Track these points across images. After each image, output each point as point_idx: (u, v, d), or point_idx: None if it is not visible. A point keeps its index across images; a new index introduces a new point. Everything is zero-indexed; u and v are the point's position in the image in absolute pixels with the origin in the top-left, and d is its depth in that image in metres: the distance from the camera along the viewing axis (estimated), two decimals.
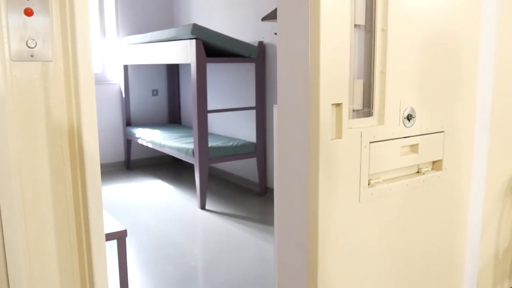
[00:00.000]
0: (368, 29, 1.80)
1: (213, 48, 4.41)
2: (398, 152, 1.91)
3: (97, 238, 1.25)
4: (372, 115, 1.82)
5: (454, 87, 2.08)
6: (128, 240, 3.62)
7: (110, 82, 5.85)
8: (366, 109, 1.86)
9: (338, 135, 1.69)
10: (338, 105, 1.67)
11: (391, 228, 1.96)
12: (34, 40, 1.13)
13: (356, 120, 1.78)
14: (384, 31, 1.77)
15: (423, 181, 2.02)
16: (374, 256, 1.92)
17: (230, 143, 4.71)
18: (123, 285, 2.44)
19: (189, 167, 6.09)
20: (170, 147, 4.85)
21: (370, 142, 1.79)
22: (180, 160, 6.42)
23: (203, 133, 4.31)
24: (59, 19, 1.16)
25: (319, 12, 1.57)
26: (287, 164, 1.89)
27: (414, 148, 1.98)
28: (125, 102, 5.86)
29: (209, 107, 5.55)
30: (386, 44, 1.77)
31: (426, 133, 2.00)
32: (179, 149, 4.68)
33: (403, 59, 1.84)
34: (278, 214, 1.99)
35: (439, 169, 2.09)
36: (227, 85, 5.34)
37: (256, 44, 4.63)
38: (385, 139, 1.84)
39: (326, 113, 1.63)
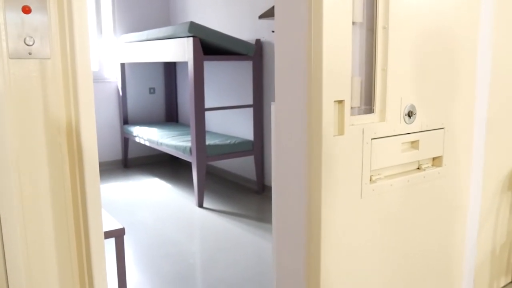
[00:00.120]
0: (369, 27, 1.81)
1: (210, 46, 4.40)
2: (399, 148, 1.92)
3: (96, 236, 1.25)
4: (373, 112, 1.84)
5: (454, 85, 2.10)
6: (125, 238, 3.62)
7: (107, 80, 5.84)
8: (367, 106, 1.87)
9: (340, 131, 1.70)
10: (340, 102, 1.68)
11: (391, 224, 1.97)
12: (32, 37, 1.13)
13: (357, 117, 1.79)
14: (385, 28, 1.79)
15: (424, 177, 2.04)
16: (375, 251, 1.93)
17: (228, 141, 4.71)
18: (121, 283, 2.44)
19: (187, 165, 6.09)
20: (167, 145, 4.84)
21: (372, 139, 1.80)
22: (178, 158, 6.42)
23: (200, 131, 4.31)
24: (57, 16, 1.16)
25: (322, 10, 1.58)
26: (284, 161, 1.90)
27: (414, 144, 1.99)
28: (122, 100, 5.85)
29: (207, 105, 5.55)
30: (387, 42, 1.79)
31: (426, 129, 2.01)
32: (176, 147, 4.68)
33: (404, 57, 1.86)
34: (276, 211, 1.99)
35: (439, 165, 2.10)
36: (225, 83, 5.34)
37: (254, 42, 4.63)
38: (386, 135, 1.86)
39: (328, 110, 1.64)
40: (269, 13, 4.12)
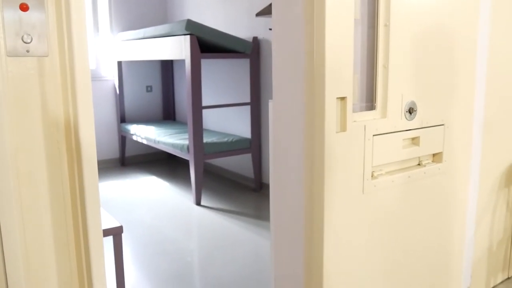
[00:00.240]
0: (370, 24, 1.82)
1: (208, 44, 4.40)
2: (400, 144, 1.94)
3: (94, 234, 1.25)
4: (375, 109, 1.86)
5: (454, 82, 2.11)
6: (123, 236, 3.62)
7: (104, 79, 5.83)
8: (369, 103, 1.88)
9: (343, 128, 1.72)
10: (342, 99, 1.69)
11: (392, 219, 1.98)
12: (29, 35, 1.13)
13: (359, 113, 1.81)
14: (386, 26, 1.80)
15: (424, 173, 2.05)
16: (376, 247, 1.94)
17: (225, 139, 4.71)
18: (119, 281, 2.44)
19: (184, 163, 6.09)
20: (165, 143, 4.84)
21: (373, 135, 1.82)
22: (175, 156, 6.42)
23: (198, 129, 4.31)
24: (55, 14, 1.16)
25: (325, 8, 1.59)
26: (282, 159, 1.90)
27: (415, 141, 2.01)
28: (119, 98, 5.84)
29: (204, 103, 5.55)
30: (389, 39, 1.80)
31: (427, 126, 2.03)
32: (174, 145, 4.68)
33: (405, 54, 1.87)
34: (274, 209, 2.00)
35: (439, 161, 2.12)
36: (222, 81, 5.34)
37: (251, 40, 4.63)
38: (388, 132, 1.88)
39: (331, 107, 1.65)
40: (266, 11, 4.12)
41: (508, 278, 2.83)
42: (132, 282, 2.91)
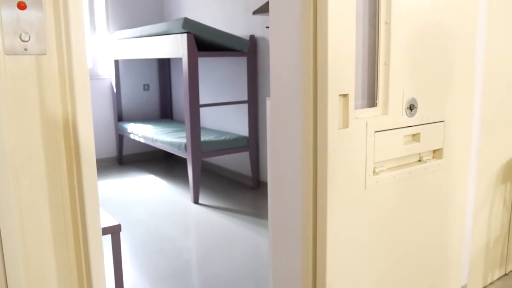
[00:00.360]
0: (372, 22, 1.83)
1: (205, 42, 4.40)
2: (401, 141, 1.96)
3: (93, 232, 1.25)
4: (376, 106, 1.87)
5: (453, 79, 2.13)
6: (121, 235, 3.62)
7: (101, 77, 5.83)
8: (370, 100, 1.90)
9: (345, 124, 1.73)
10: (344, 95, 1.70)
11: (393, 215, 2.00)
12: (27, 33, 1.13)
13: (361, 110, 1.82)
14: (387, 24, 1.81)
15: (425, 169, 2.07)
16: (377, 243, 1.96)
17: (223, 137, 4.71)
18: (118, 279, 2.44)
19: (182, 162, 6.09)
20: (162, 142, 4.84)
21: (375, 132, 1.84)
22: (173, 154, 6.41)
23: (195, 128, 4.31)
24: (52, 12, 1.16)
25: (327, 6, 1.60)
26: (280, 156, 1.91)
27: (416, 137, 2.03)
28: (117, 97, 5.83)
29: (201, 102, 5.55)
30: (390, 37, 1.82)
31: (427, 122, 2.05)
32: (171, 144, 4.68)
33: (405, 51, 1.89)
34: (272, 207, 2.00)
35: (440, 157, 2.14)
36: (219, 79, 5.34)
37: (248, 38, 4.63)
38: (389, 128, 1.89)
39: (333, 104, 1.66)
40: (263, 9, 4.12)
41: (506, 274, 2.85)
42: (130, 280, 2.91)
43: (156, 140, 4.95)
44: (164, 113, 6.35)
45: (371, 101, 1.89)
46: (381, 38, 1.82)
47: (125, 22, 5.92)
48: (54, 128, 1.19)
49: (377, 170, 1.90)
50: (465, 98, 2.20)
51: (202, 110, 5.63)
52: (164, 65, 6.27)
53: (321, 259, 1.81)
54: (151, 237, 3.60)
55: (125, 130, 5.64)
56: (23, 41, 1.13)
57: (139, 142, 6.18)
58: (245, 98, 4.89)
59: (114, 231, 2.34)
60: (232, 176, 5.31)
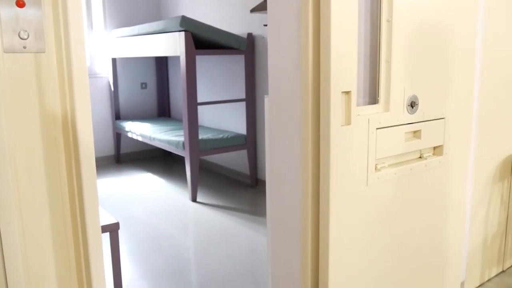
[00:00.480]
0: (373, 20, 1.84)
1: (202, 41, 4.40)
2: (402, 138, 1.97)
3: (93, 230, 1.25)
4: (378, 103, 1.88)
5: (453, 76, 2.14)
6: (119, 233, 3.62)
7: (99, 76, 5.82)
8: (372, 97, 1.91)
9: (348, 121, 1.75)
10: (347, 93, 1.72)
11: (394, 212, 2.01)
12: (26, 31, 1.13)
13: (363, 107, 1.84)
14: (389, 22, 1.82)
15: (425, 165, 2.08)
16: (377, 239, 1.97)
17: (221, 136, 4.71)
18: (116, 277, 2.44)
19: (180, 160, 6.09)
20: (160, 140, 4.84)
21: (377, 128, 1.85)
22: (170, 153, 6.41)
23: (193, 126, 4.31)
24: (51, 10, 1.16)
25: (330, 4, 1.61)
26: (279, 154, 1.91)
27: (416, 134, 2.04)
28: (114, 95, 5.83)
29: (199, 100, 5.55)
30: (391, 35, 1.83)
31: (428, 119, 2.06)
32: (169, 142, 4.67)
33: (407, 49, 1.90)
34: (270, 204, 2.01)
35: (440, 154, 2.16)
36: (217, 78, 5.34)
37: (245, 36, 4.63)
38: (391, 125, 1.91)
39: (336, 101, 1.67)
40: (260, 7, 4.12)
41: (503, 271, 2.86)
42: (129, 278, 2.91)
43: (154, 139, 4.95)
44: (161, 112, 6.34)
45: (373, 98, 1.91)
46: (383, 36, 1.84)
47: (123, 20, 5.91)
48: (53, 126, 1.19)
49: (378, 166, 1.91)
50: (465, 96, 2.21)
51: (200, 108, 5.63)
52: (161, 63, 6.27)
53: (324, 255, 1.82)
54: (149, 235, 3.60)
55: (122, 128, 5.63)
56: (22, 39, 1.13)
57: (137, 141, 6.17)
58: (243, 96, 4.89)
59: (112, 229, 2.34)
60: (230, 174, 5.32)
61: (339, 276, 1.85)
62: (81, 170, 1.21)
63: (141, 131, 5.20)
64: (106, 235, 3.11)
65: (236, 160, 5.19)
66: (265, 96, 1.97)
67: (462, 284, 2.55)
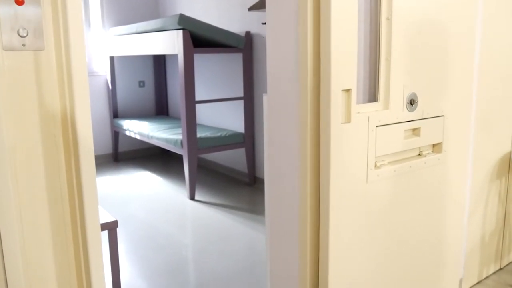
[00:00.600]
0: (373, 18, 1.85)
1: (200, 39, 4.39)
2: (402, 135, 1.98)
3: (92, 227, 1.25)
4: (377, 101, 1.89)
5: (452, 74, 2.15)
6: (118, 231, 3.62)
7: (96, 74, 5.81)
8: (372, 94, 1.92)
9: (348, 119, 1.75)
10: (347, 90, 1.72)
11: (393, 209, 2.02)
12: (25, 29, 1.13)
13: (362, 105, 1.84)
14: (388, 20, 1.83)
15: (425, 163, 2.09)
16: (376, 236, 1.98)
17: (219, 134, 4.71)
18: (115, 275, 2.44)
19: (178, 158, 6.08)
20: (158, 139, 4.84)
21: (377, 126, 1.86)
22: (168, 151, 6.41)
23: (191, 124, 4.31)
24: (50, 7, 1.16)
25: (330, 3, 1.62)
26: (277, 152, 1.91)
27: (416, 131, 2.05)
28: (112, 94, 5.82)
29: (197, 98, 5.55)
30: (391, 33, 1.83)
31: (427, 117, 2.07)
32: (167, 140, 4.67)
33: (406, 47, 1.91)
34: (269, 202, 2.01)
35: (439, 151, 2.17)
36: (215, 76, 5.33)
37: (243, 34, 4.63)
38: (390, 123, 1.92)
39: (336, 99, 1.68)
40: (258, 5, 4.12)
41: (501, 268, 2.87)
42: (127, 276, 2.91)
43: (152, 137, 4.95)
44: (159, 110, 6.34)
45: (373, 96, 1.91)
46: (382, 34, 1.84)
47: (120, 18, 5.90)
48: (53, 124, 1.19)
49: (378, 164, 1.92)
50: (464, 93, 2.22)
51: (198, 106, 5.63)
52: (159, 62, 6.26)
53: (324, 253, 1.82)
54: (147, 233, 3.60)
55: (120, 127, 5.63)
56: (21, 36, 1.13)
57: (135, 139, 6.17)
58: (241, 94, 4.89)
59: (110, 228, 2.35)
60: (228, 173, 5.32)
61: (339, 273, 1.85)
62: (81, 168, 1.21)
63: (139, 129, 5.20)
64: (105, 233, 3.10)
65: (234, 158, 5.19)
66: (264, 94, 1.98)
67: (460, 281, 2.56)
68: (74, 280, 1.31)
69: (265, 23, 4.34)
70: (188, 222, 3.86)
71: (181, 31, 4.15)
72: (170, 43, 4.34)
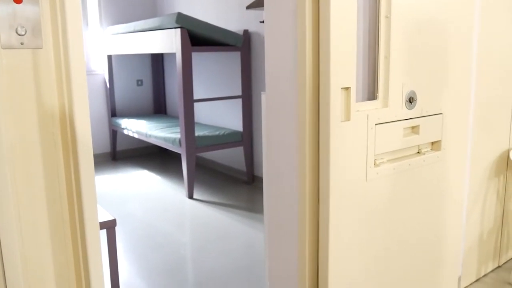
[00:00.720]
0: (372, 16, 1.85)
1: (198, 37, 4.39)
2: (401, 133, 1.99)
3: (91, 226, 1.25)
4: (376, 99, 1.89)
5: (451, 72, 2.15)
6: (116, 230, 3.62)
7: (94, 73, 5.80)
8: (371, 92, 1.92)
9: (347, 117, 1.76)
10: (346, 89, 1.72)
11: (393, 207, 2.03)
12: (23, 27, 1.13)
13: (362, 103, 1.85)
14: (387, 18, 1.83)
15: (424, 161, 2.10)
16: (376, 234, 1.98)
17: (217, 132, 4.71)
18: (113, 274, 2.44)
19: (176, 157, 6.08)
20: (156, 137, 4.83)
21: (376, 124, 1.86)
22: (167, 150, 6.41)
23: (189, 123, 4.30)
24: (49, 6, 1.16)
25: (330, 1, 1.62)
26: (276, 150, 1.91)
27: (415, 129, 2.06)
28: (110, 92, 5.81)
29: (195, 97, 5.54)
30: (390, 31, 1.83)
31: (426, 115, 2.07)
32: (165, 139, 4.67)
33: (405, 45, 1.91)
34: (267, 201, 2.01)
35: (438, 149, 2.17)
36: (213, 74, 5.33)
37: (241, 33, 4.62)
38: (389, 121, 1.92)
39: (336, 97, 1.68)
40: (256, 4, 4.11)
41: (499, 266, 2.87)
42: (125, 275, 2.91)
43: (150, 136, 4.94)
44: (157, 109, 6.33)
45: (372, 94, 1.92)
46: (381, 32, 1.85)
47: (118, 17, 5.89)
48: (51, 122, 1.19)
49: (377, 162, 1.93)
50: (462, 91, 2.23)
51: (196, 105, 5.63)
52: (157, 60, 6.26)
53: (323, 251, 1.82)
54: (145, 232, 3.60)
55: (118, 125, 5.62)
56: (19, 35, 1.12)
57: (133, 138, 6.16)
58: (239, 93, 4.89)
59: (109, 226, 2.34)
60: (227, 171, 5.32)
61: (339, 271, 1.85)
62: (79, 166, 1.21)
63: (137, 128, 5.19)
64: (103, 232, 3.11)
65: (233, 157, 5.19)
66: (262, 92, 1.98)
67: (459, 279, 2.56)
68: (73, 278, 1.31)
69: (263, 22, 4.34)
70: (187, 220, 3.86)
71: (179, 29, 4.15)
72: (168, 42, 4.34)
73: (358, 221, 1.89)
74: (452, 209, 2.33)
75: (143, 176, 5.20)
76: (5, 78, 1.12)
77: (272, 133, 1.92)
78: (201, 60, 5.47)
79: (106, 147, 6.00)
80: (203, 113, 5.58)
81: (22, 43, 1.13)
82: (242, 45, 4.57)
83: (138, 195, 4.55)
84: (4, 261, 1.17)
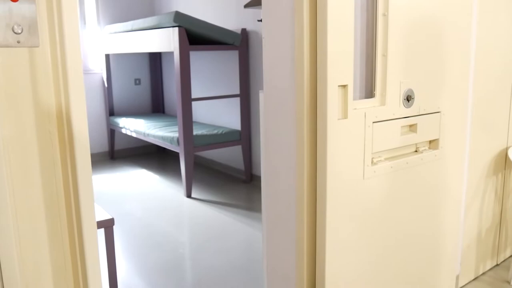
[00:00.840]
0: (370, 14, 1.85)
1: (196, 36, 4.38)
2: (399, 131, 1.98)
3: (88, 225, 1.25)
4: (374, 97, 1.89)
5: (449, 70, 2.15)
6: (114, 229, 3.62)
7: (92, 72, 5.79)
8: (368, 90, 1.92)
9: (344, 115, 1.75)
10: (343, 86, 1.72)
11: (390, 205, 2.02)
12: (20, 26, 1.12)
13: (359, 101, 1.84)
14: (385, 16, 1.83)
15: (421, 159, 2.10)
16: (373, 232, 1.98)
17: (215, 131, 4.71)
18: (111, 273, 2.44)
19: (174, 156, 6.08)
20: (154, 136, 4.83)
21: (373, 122, 1.86)
22: (165, 149, 6.40)
23: (187, 122, 4.30)
24: (45, 4, 1.15)
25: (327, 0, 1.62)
26: (274, 149, 1.91)
27: (413, 127, 2.05)
28: (108, 91, 5.81)
29: (193, 96, 5.54)
30: (387, 29, 1.83)
31: (424, 113, 2.07)
32: (163, 138, 4.67)
33: (403, 43, 1.91)
34: (265, 199, 2.01)
35: (436, 147, 2.17)
36: (211, 73, 5.33)
37: (239, 32, 4.62)
38: (387, 119, 1.92)
39: (333, 94, 1.68)
40: (254, 2, 4.11)
41: (497, 265, 2.88)
42: (124, 274, 2.91)
43: (148, 135, 4.94)
44: (155, 108, 6.33)
45: (369, 92, 1.91)
46: (379, 30, 1.84)
47: (116, 16, 5.89)
48: (48, 121, 1.18)
49: (375, 160, 1.92)
50: (460, 90, 2.23)
51: (194, 104, 5.62)
52: (155, 59, 6.25)
53: (321, 249, 1.82)
54: (144, 231, 3.60)
55: (116, 124, 5.62)
56: (15, 33, 1.12)
57: (131, 137, 6.15)
58: (237, 91, 4.89)
59: (107, 225, 2.34)
60: (225, 170, 5.31)
61: (336, 269, 1.85)
62: (76, 165, 1.21)
63: (135, 127, 5.19)
64: (101, 231, 3.10)
65: (231, 155, 5.19)
66: (260, 91, 1.97)
67: (457, 277, 2.56)
68: (71, 278, 1.30)
69: (261, 20, 4.34)
70: (185, 219, 3.86)
71: (176, 28, 4.14)
72: (166, 41, 4.33)
73: (355, 219, 1.89)
74: (450, 208, 2.33)
75: (141, 175, 5.19)
76: (1, 77, 1.11)
77: (270, 131, 1.92)
78: (199, 59, 5.46)
79: (104, 146, 5.99)
80: (201, 112, 5.58)
81: (18, 42, 1.12)
82: (240, 44, 4.57)
83: (136, 194, 4.55)
84: (1, 260, 1.17)
